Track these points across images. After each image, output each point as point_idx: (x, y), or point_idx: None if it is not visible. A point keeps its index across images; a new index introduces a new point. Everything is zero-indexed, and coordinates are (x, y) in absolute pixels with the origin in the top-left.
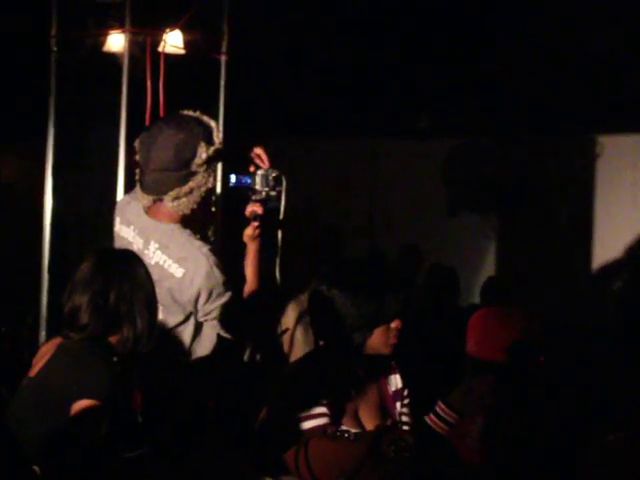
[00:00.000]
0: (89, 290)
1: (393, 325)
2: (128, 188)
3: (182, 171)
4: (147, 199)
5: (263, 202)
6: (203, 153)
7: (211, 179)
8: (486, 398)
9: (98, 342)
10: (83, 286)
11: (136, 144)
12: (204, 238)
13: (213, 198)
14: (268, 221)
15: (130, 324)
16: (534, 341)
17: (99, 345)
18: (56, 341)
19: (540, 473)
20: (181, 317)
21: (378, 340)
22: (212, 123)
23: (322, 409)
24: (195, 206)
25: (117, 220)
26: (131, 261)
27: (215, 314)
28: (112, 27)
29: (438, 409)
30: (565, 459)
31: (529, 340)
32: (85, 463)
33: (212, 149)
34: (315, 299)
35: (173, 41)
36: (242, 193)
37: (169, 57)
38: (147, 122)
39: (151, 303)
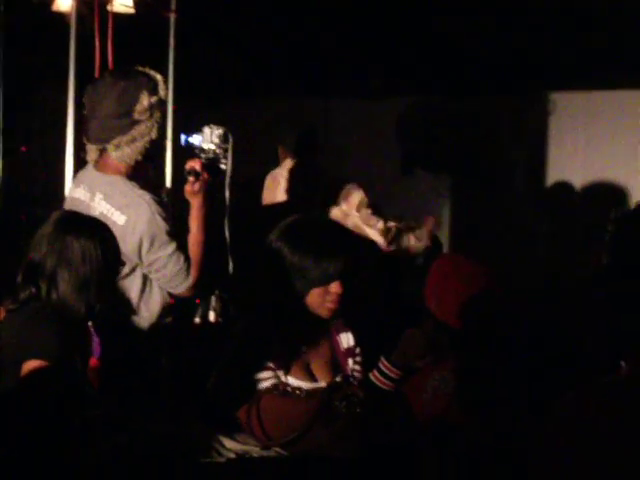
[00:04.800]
0: (27, 253)
1: (332, 289)
2: (77, 148)
3: (124, 119)
4: (93, 150)
5: (211, 160)
6: (145, 100)
7: (154, 130)
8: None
9: (47, 304)
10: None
11: (84, 98)
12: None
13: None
14: (215, 179)
15: (52, 289)
16: (494, 305)
17: (48, 307)
18: (7, 304)
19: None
20: (126, 269)
21: (314, 301)
22: (158, 77)
23: (272, 368)
24: (139, 157)
25: (72, 186)
26: (71, 232)
27: (159, 265)
28: None
29: (381, 365)
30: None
31: (488, 305)
32: (34, 424)
33: (155, 98)
34: (265, 251)
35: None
36: (194, 153)
37: (118, 16)
38: None
39: (86, 277)
